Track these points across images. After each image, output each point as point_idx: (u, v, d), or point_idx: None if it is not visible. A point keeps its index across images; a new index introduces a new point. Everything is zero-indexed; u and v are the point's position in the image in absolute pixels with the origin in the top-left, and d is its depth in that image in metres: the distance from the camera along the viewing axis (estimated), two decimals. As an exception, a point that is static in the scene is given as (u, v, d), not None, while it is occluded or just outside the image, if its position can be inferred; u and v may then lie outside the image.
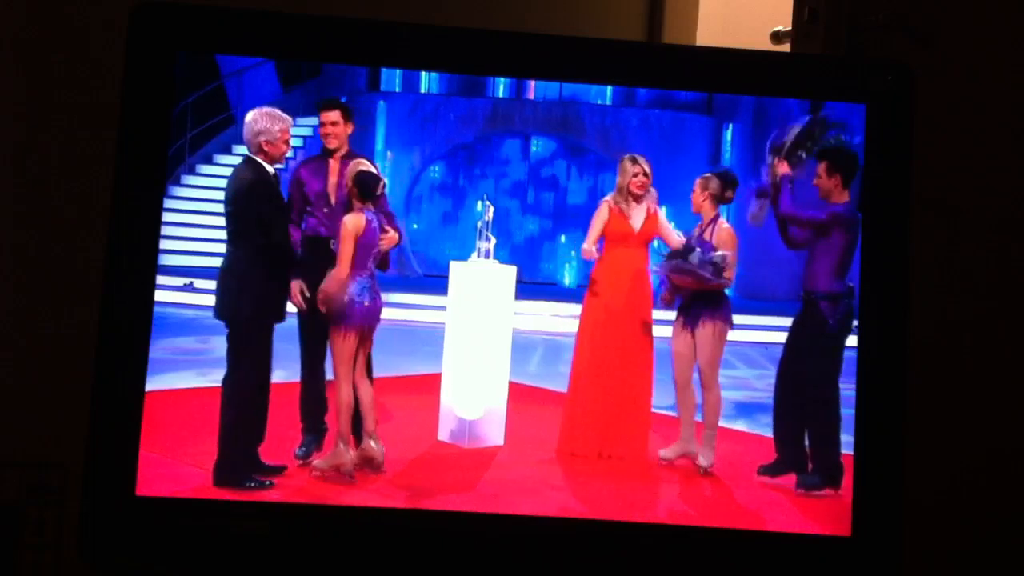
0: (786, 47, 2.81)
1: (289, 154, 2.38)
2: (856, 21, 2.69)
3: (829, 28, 2.69)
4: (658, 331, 2.67)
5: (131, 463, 1.96)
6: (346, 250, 2.36)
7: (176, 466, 2.12)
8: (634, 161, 2.65)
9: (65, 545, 2.13)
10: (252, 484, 2.16)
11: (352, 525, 2.02)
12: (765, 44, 2.86)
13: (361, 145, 2.55)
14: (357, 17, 2.07)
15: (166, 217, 2.15)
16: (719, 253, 2.51)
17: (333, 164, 2.47)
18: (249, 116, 2.30)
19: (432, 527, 2.02)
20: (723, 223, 2.55)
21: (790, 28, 2.77)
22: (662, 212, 2.70)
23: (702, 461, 2.43)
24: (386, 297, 2.43)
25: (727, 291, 2.55)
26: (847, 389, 2.24)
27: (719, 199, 2.53)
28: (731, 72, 2.14)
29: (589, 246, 2.66)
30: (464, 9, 2.80)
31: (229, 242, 2.28)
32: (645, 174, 2.65)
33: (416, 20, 2.11)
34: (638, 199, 2.66)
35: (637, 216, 2.69)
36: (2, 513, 2.14)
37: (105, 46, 2.18)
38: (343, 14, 2.08)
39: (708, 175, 2.55)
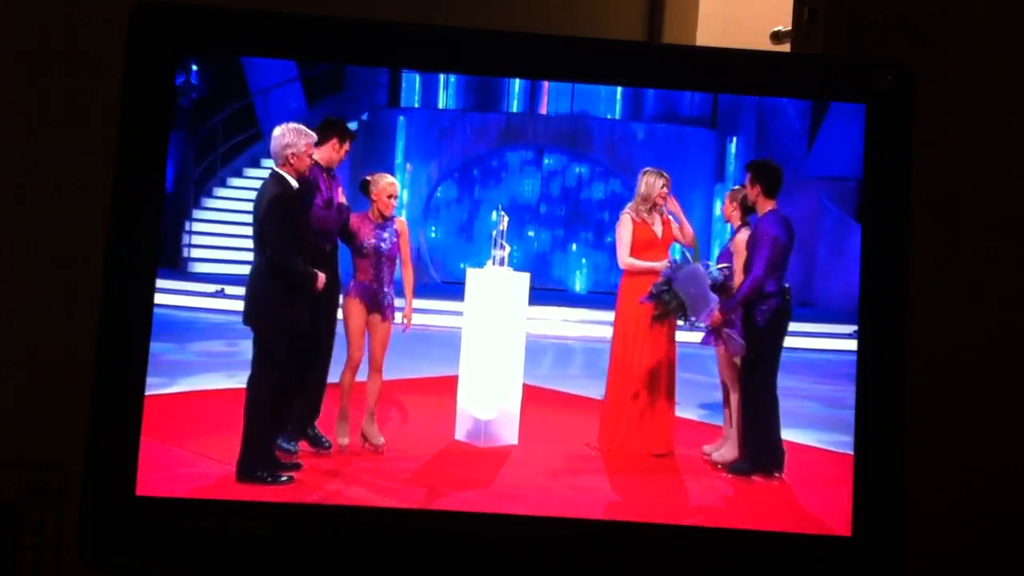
0: (786, 47, 2.81)
1: None
2: (856, 21, 2.69)
3: (829, 28, 2.69)
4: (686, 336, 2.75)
5: (131, 463, 1.96)
6: (408, 250, 2.58)
7: (177, 466, 2.13)
8: (660, 174, 2.83)
9: (65, 545, 2.13)
10: (269, 479, 2.23)
11: (352, 525, 2.02)
12: (765, 44, 2.86)
13: (381, 158, 2.63)
14: (357, 17, 2.07)
15: (199, 227, 2.20)
16: (718, 268, 2.61)
17: (326, 178, 2.58)
18: (277, 130, 2.38)
19: (434, 527, 2.02)
20: (743, 232, 2.64)
21: (790, 28, 2.78)
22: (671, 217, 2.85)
23: (715, 456, 2.51)
24: (403, 302, 2.58)
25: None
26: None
27: (749, 209, 2.63)
28: (731, 72, 2.14)
29: (634, 257, 2.80)
30: (464, 9, 2.80)
31: (256, 252, 2.34)
32: (668, 185, 2.82)
33: (415, 20, 2.11)
34: (659, 209, 2.82)
35: (657, 224, 2.84)
36: (2, 513, 2.13)
37: (105, 46, 2.18)
38: (343, 14, 2.09)
39: (736, 188, 2.68)
